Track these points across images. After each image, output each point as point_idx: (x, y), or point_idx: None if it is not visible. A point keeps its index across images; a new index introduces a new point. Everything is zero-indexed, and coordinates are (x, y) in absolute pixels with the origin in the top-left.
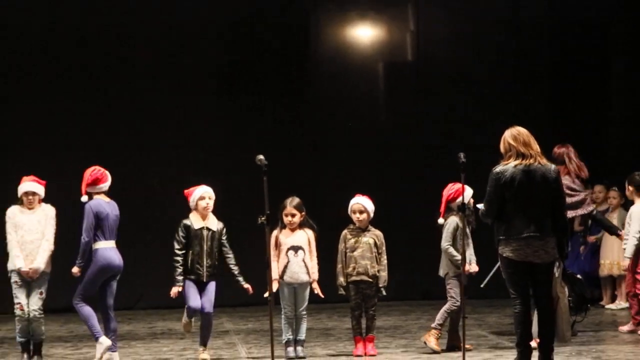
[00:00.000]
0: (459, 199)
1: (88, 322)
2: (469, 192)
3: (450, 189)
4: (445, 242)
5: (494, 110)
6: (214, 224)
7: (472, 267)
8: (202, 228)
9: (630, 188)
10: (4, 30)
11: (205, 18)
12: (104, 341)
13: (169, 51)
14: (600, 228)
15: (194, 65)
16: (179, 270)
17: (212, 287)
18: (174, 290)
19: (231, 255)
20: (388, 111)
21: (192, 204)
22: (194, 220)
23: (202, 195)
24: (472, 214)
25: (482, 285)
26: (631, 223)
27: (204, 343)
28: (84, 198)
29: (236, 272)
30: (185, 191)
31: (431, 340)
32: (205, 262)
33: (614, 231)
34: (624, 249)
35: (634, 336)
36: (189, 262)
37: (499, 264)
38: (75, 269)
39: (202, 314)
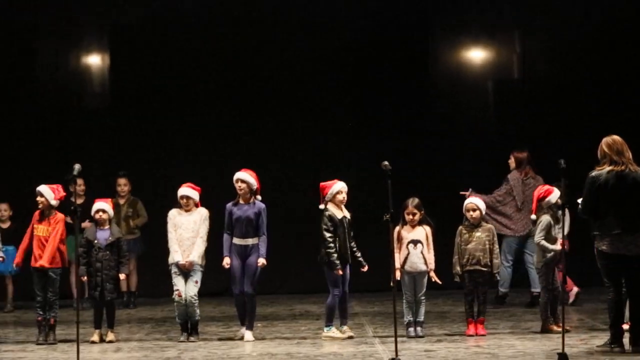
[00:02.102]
0: (548, 199)
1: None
2: (556, 193)
3: (540, 189)
4: (537, 237)
5: (591, 122)
6: (347, 213)
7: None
8: (342, 218)
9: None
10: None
11: (340, 41)
12: None
13: (307, 66)
14: None
15: (329, 83)
16: (335, 255)
17: (348, 270)
18: (339, 272)
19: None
20: (497, 124)
21: (329, 196)
22: (334, 211)
23: (340, 190)
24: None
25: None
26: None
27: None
28: (324, 206)
29: (358, 255)
30: (322, 184)
31: (552, 328)
32: (349, 247)
33: None
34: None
35: None
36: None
37: None
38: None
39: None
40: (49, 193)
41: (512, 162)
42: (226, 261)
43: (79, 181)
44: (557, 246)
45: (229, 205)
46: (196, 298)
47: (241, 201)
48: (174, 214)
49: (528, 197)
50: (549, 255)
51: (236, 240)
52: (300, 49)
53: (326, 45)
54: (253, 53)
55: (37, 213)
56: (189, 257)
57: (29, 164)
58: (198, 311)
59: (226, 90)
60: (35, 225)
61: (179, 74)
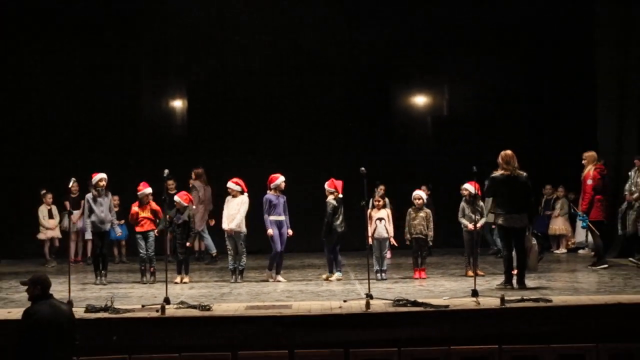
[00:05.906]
0: (467, 192)
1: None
2: (466, 186)
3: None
4: (459, 217)
5: (495, 143)
6: (327, 200)
7: (470, 226)
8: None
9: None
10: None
11: (338, 87)
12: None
13: (315, 102)
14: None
15: (329, 114)
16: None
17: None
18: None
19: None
20: (434, 145)
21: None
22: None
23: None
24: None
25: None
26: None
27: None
28: None
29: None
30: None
31: (468, 272)
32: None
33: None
34: None
35: (569, 267)
36: None
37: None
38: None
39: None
40: (149, 189)
41: (194, 174)
42: (270, 232)
43: (170, 182)
44: (470, 224)
45: (268, 196)
46: (244, 252)
47: (277, 193)
48: (227, 199)
49: (208, 199)
50: (466, 228)
51: (277, 218)
52: (314, 92)
53: (329, 89)
54: (282, 96)
55: (135, 203)
56: (229, 225)
57: (133, 171)
58: (243, 263)
59: (264, 121)
60: (137, 210)
61: (234, 111)
